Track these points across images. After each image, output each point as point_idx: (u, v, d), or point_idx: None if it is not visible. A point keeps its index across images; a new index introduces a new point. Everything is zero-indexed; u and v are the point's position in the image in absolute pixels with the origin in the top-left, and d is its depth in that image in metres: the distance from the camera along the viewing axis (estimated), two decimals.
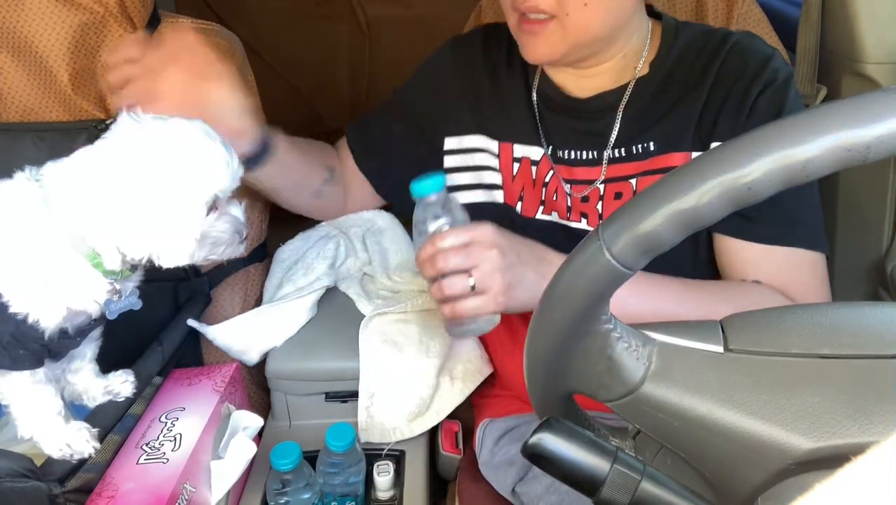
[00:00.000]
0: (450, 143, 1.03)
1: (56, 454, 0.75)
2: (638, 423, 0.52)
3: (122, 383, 0.85)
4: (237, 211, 0.77)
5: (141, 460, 0.80)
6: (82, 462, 0.77)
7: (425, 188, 0.82)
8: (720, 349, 0.50)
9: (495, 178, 1.00)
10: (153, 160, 0.69)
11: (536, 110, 0.97)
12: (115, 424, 0.83)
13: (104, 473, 0.79)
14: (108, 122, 1.05)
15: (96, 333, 0.84)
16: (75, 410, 0.94)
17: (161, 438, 0.84)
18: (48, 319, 0.71)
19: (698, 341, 0.50)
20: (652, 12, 0.96)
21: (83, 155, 0.71)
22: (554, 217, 0.97)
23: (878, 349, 0.48)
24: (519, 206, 0.99)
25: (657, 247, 0.42)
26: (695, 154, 0.89)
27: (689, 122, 0.89)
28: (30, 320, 0.70)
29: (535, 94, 0.98)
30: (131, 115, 0.71)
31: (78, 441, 0.76)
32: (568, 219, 0.96)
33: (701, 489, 0.50)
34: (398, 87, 1.10)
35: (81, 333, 0.77)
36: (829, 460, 0.44)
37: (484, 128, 1.01)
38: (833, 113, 0.38)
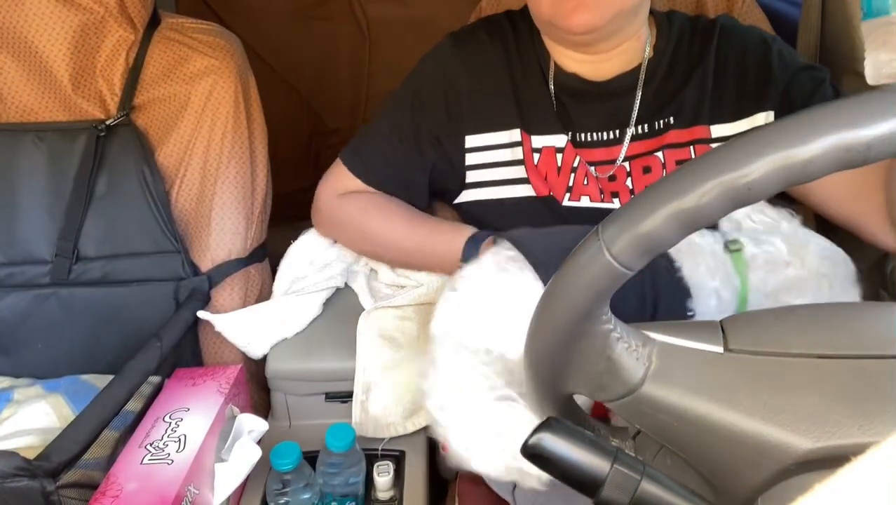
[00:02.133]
0: (471, 140, 1.02)
1: None
2: (638, 423, 0.52)
3: None
4: None
5: (145, 461, 0.80)
6: (75, 457, 0.76)
7: None
8: (720, 349, 0.50)
9: (521, 171, 1.00)
10: None
11: (554, 99, 0.99)
12: (110, 418, 0.83)
13: (108, 472, 0.79)
14: (108, 121, 1.05)
15: None
16: (74, 402, 0.95)
17: (165, 438, 0.83)
18: None
19: (698, 341, 0.50)
20: None
21: None
22: (584, 202, 0.98)
23: (878, 349, 0.48)
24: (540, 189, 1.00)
25: (657, 247, 0.42)
26: (714, 127, 0.97)
27: (701, 99, 0.97)
28: None
29: (552, 84, 1.00)
30: None
31: None
32: (602, 201, 0.98)
33: (701, 489, 0.50)
34: (394, 99, 1.05)
35: None
36: (830, 460, 0.44)
37: (505, 121, 1.00)
38: (833, 113, 0.38)
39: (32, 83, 1.06)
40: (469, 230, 0.98)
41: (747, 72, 0.97)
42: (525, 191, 1.00)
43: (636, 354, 0.49)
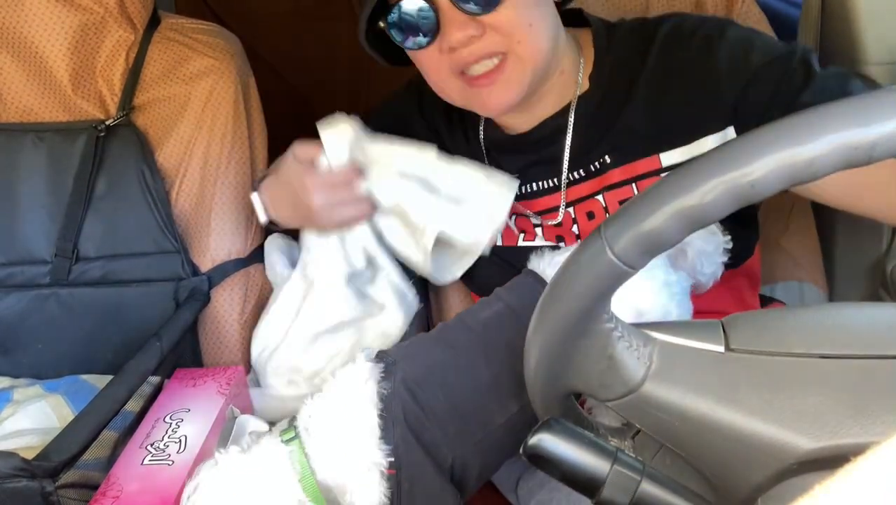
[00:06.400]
0: None
1: None
2: (639, 422, 0.52)
3: None
4: None
5: (146, 461, 0.80)
6: (74, 457, 0.76)
7: None
8: (721, 349, 0.50)
9: None
10: None
11: (485, 153, 0.96)
12: (110, 419, 0.83)
13: (108, 472, 0.78)
14: (107, 122, 1.05)
15: None
16: (74, 402, 0.94)
17: (166, 439, 0.83)
18: None
19: (699, 341, 0.50)
20: (581, 18, 0.92)
21: None
22: (538, 241, 0.95)
23: (878, 349, 0.48)
24: (499, 240, 0.97)
25: (660, 245, 0.42)
26: (664, 155, 0.85)
27: (637, 129, 0.85)
28: None
29: (482, 140, 0.96)
30: None
31: None
32: (551, 241, 0.94)
33: (701, 489, 0.50)
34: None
35: None
36: (831, 460, 0.44)
37: None
38: (837, 112, 0.38)
39: (32, 83, 1.06)
40: None
41: (690, 85, 0.82)
42: None
43: (637, 353, 0.49)
